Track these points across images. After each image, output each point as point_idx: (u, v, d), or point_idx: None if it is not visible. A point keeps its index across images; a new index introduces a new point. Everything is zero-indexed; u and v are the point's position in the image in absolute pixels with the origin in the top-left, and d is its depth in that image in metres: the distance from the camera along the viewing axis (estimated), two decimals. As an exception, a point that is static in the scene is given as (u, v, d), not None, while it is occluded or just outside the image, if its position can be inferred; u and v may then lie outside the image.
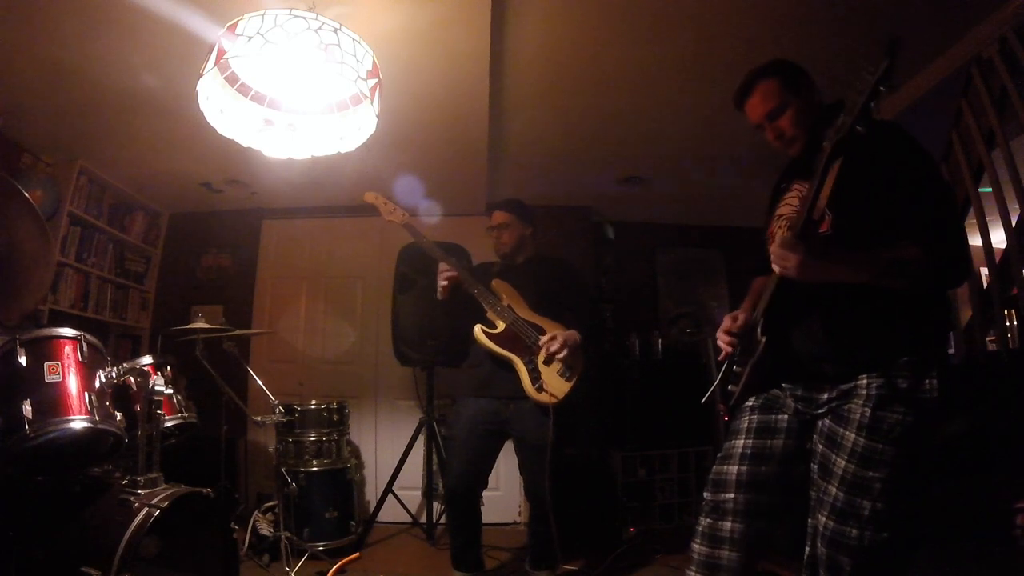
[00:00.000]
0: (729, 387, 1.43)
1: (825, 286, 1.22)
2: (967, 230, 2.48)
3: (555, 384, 2.15)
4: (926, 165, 1.24)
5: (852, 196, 1.23)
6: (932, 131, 2.67)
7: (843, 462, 1.22)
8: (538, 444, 2.16)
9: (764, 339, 1.31)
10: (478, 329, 2.24)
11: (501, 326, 2.24)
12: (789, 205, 1.42)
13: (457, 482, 2.28)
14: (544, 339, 2.18)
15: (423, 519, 3.31)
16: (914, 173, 1.23)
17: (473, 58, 2.26)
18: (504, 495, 3.64)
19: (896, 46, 1.07)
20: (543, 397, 2.13)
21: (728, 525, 1.32)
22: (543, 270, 2.42)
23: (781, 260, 1.18)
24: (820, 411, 1.31)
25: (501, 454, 2.36)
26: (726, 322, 1.44)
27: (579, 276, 2.55)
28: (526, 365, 2.18)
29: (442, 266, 2.28)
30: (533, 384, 2.15)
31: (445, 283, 2.26)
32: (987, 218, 2.42)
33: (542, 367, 2.17)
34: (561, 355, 2.15)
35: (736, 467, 1.35)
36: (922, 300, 1.24)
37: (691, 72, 2.48)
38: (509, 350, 2.21)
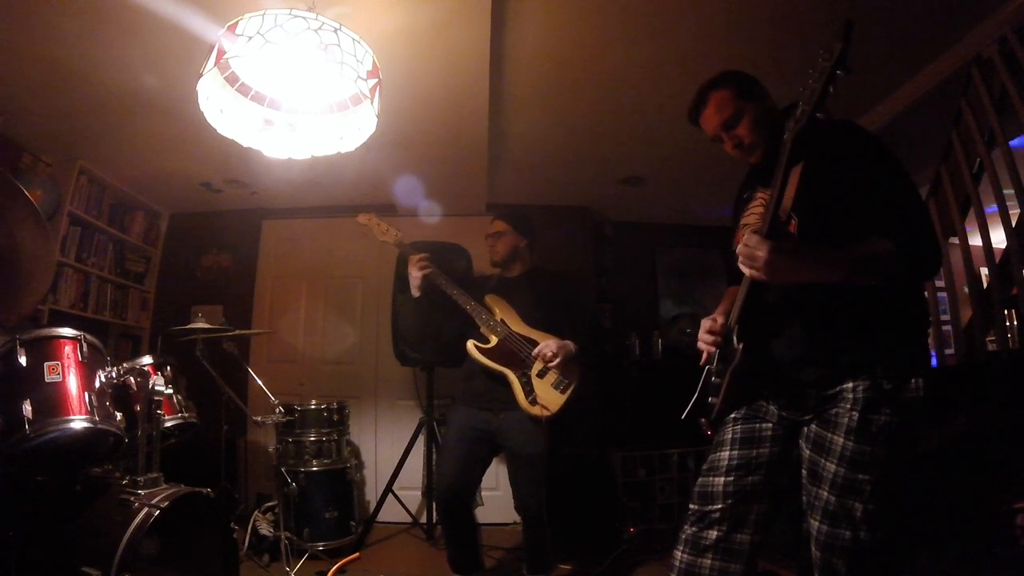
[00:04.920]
0: (710, 399, 1.41)
1: (803, 289, 1.21)
2: (967, 230, 2.51)
3: (549, 397, 2.13)
4: (887, 159, 1.23)
5: (816, 197, 1.22)
6: (932, 131, 2.68)
7: (833, 466, 1.21)
8: (528, 455, 2.15)
9: (741, 346, 1.29)
10: (471, 344, 2.22)
11: (494, 341, 2.22)
12: (754, 214, 1.40)
13: (446, 490, 2.26)
14: (538, 348, 2.16)
15: (423, 519, 3.32)
16: (876, 168, 1.22)
17: (473, 58, 2.26)
18: (504, 495, 3.62)
19: (850, 29, 1.05)
20: (536, 410, 2.11)
21: (714, 534, 1.31)
22: (539, 284, 2.38)
23: (748, 260, 1.15)
24: (805, 417, 1.29)
25: (485, 467, 2.34)
26: (705, 324, 1.42)
27: (576, 289, 2.51)
28: (519, 379, 2.16)
29: (414, 257, 2.23)
30: (527, 397, 2.13)
31: (420, 274, 2.20)
32: (987, 218, 2.43)
33: (536, 380, 2.16)
34: (555, 363, 2.13)
35: (723, 478, 1.34)
36: (901, 299, 1.24)
37: (691, 72, 2.46)
38: (503, 364, 2.19)
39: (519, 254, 2.41)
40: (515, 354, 2.19)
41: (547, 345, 2.16)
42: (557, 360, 2.13)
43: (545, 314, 2.28)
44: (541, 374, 2.16)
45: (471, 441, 2.24)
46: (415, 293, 2.27)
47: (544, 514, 2.20)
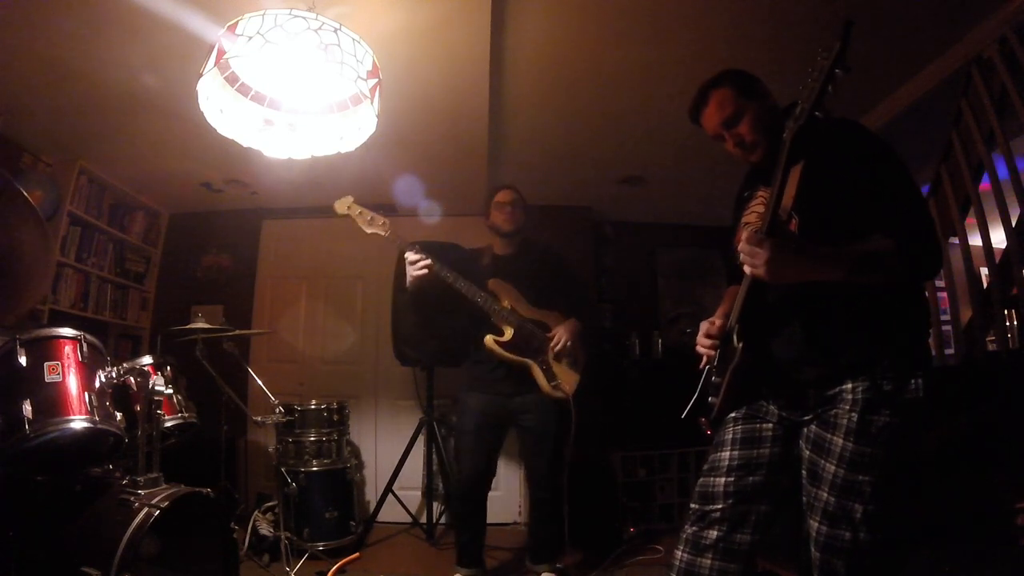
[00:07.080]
0: (709, 399, 1.41)
1: (802, 289, 1.20)
2: (967, 230, 2.51)
3: (567, 378, 2.26)
4: (889, 157, 1.23)
5: (817, 196, 1.21)
6: (932, 131, 2.68)
7: (832, 467, 1.21)
8: (547, 433, 2.25)
9: (741, 345, 1.28)
10: (490, 339, 2.27)
11: (509, 332, 2.28)
12: (755, 212, 1.39)
13: (468, 478, 2.32)
14: (552, 342, 2.26)
15: (423, 519, 3.31)
16: (878, 166, 1.22)
17: (473, 58, 2.26)
18: (504, 495, 3.63)
19: (849, 29, 1.05)
20: (559, 394, 2.22)
21: (714, 534, 1.31)
22: (533, 260, 2.45)
23: (750, 258, 1.14)
24: (805, 417, 1.29)
25: (500, 453, 2.41)
26: (704, 327, 1.41)
27: (567, 263, 2.62)
28: (540, 366, 2.26)
29: (410, 256, 2.19)
30: (550, 383, 2.24)
31: (419, 273, 2.17)
32: (987, 218, 2.42)
33: (554, 364, 2.26)
34: (567, 350, 2.24)
35: (723, 479, 1.34)
36: (901, 299, 1.23)
37: (691, 72, 2.46)
38: (522, 355, 2.27)
39: (523, 223, 2.49)
40: (530, 342, 2.27)
41: (561, 338, 2.25)
42: (571, 344, 2.25)
43: (546, 291, 2.37)
44: (557, 357, 2.27)
45: (487, 429, 2.32)
46: (409, 288, 2.26)
47: (558, 499, 2.26)
